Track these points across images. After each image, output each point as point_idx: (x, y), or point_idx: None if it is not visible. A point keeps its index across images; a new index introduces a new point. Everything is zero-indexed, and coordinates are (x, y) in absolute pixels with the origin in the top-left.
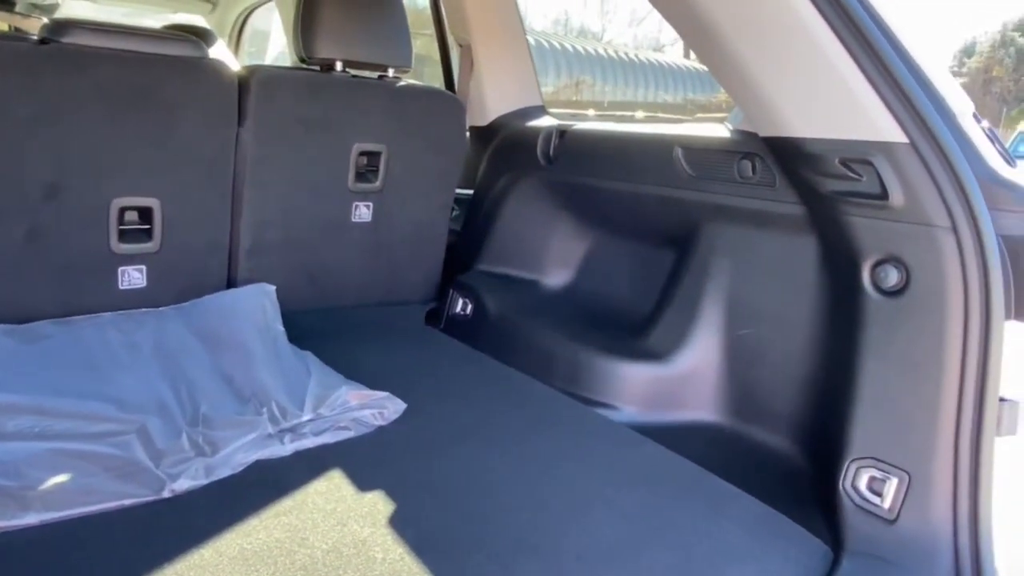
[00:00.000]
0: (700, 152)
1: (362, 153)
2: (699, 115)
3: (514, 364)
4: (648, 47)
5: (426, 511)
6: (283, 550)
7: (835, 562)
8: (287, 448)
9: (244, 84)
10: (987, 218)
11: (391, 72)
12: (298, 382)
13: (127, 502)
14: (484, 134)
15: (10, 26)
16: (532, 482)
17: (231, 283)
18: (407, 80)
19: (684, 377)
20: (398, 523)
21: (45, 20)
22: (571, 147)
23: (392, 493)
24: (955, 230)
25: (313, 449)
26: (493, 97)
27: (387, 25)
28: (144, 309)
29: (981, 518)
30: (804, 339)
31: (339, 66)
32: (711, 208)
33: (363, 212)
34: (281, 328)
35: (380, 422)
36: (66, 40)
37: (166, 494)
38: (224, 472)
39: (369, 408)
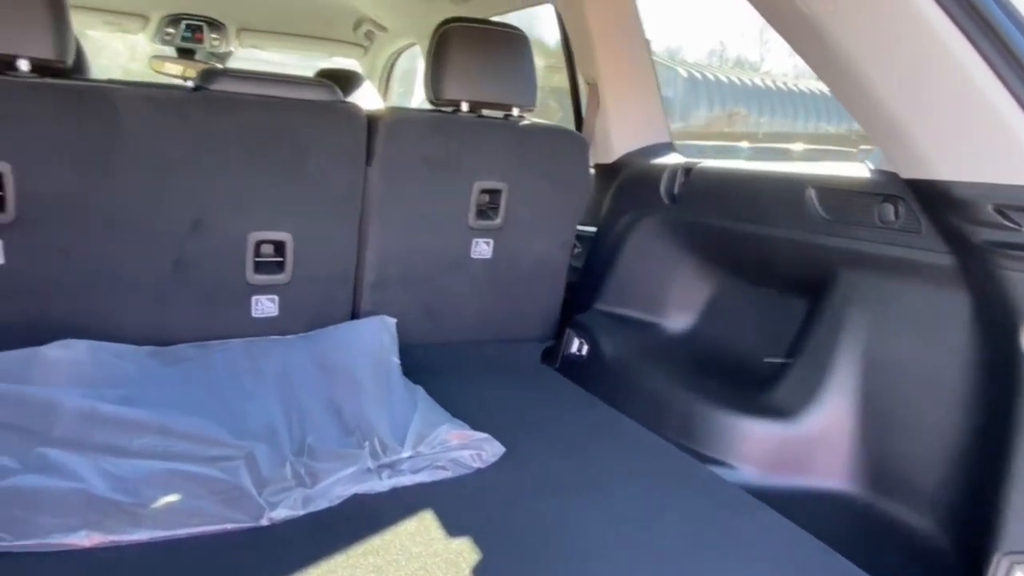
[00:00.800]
0: (835, 193)
1: (483, 191)
2: (863, 146)
3: (626, 410)
4: (810, 76)
5: (509, 563)
6: None
7: None
8: (384, 484)
9: (373, 125)
10: None
11: (516, 111)
12: (403, 417)
13: (228, 526)
14: (609, 171)
15: (185, 74)
16: (627, 543)
17: (355, 314)
18: (531, 119)
19: (812, 438)
20: (479, 573)
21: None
22: (697, 185)
23: (479, 540)
24: None
25: (410, 487)
26: (618, 134)
27: (514, 66)
28: (273, 337)
29: None
30: (952, 407)
31: (464, 106)
32: (847, 254)
33: (483, 249)
34: (397, 361)
35: (478, 464)
36: (214, 87)
37: (264, 522)
38: (322, 504)
39: (468, 449)
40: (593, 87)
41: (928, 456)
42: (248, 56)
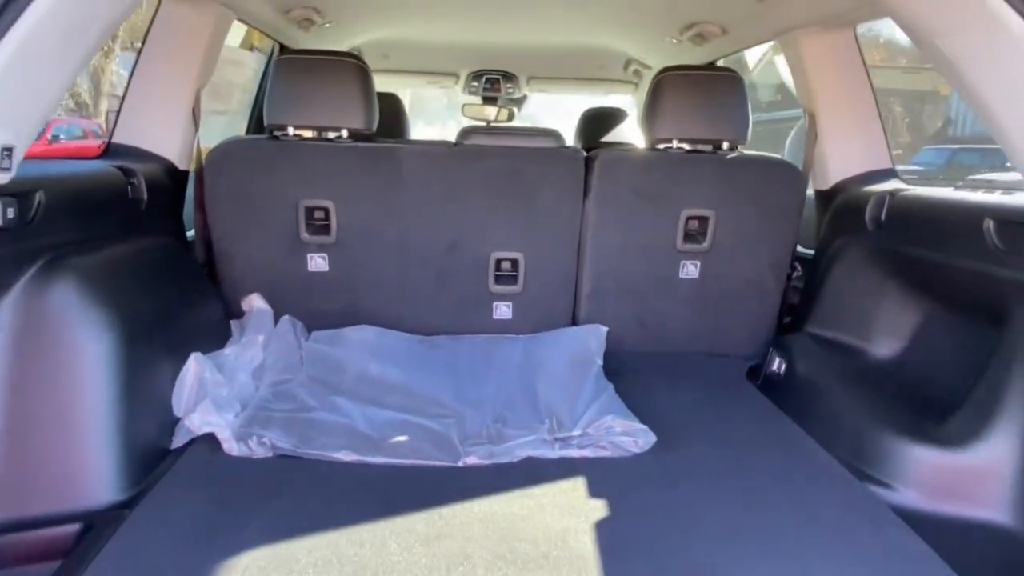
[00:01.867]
0: (1012, 224)
1: (691, 218)
2: None
3: (806, 426)
4: None
5: (629, 528)
6: (511, 522)
7: None
8: (555, 453)
9: (590, 164)
10: None
11: (726, 145)
12: (584, 405)
13: (435, 462)
14: (826, 197)
15: (485, 116)
16: (744, 533)
17: (574, 320)
18: (742, 150)
19: (979, 469)
20: (602, 531)
21: (515, 109)
22: (899, 212)
23: (614, 509)
24: None
25: (575, 458)
26: (835, 161)
27: (726, 104)
28: (508, 335)
29: None
30: None
31: (675, 143)
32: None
33: (690, 270)
34: (599, 362)
35: (635, 449)
36: (467, 142)
37: (460, 464)
38: (503, 459)
39: (628, 435)
40: (811, 117)
41: None
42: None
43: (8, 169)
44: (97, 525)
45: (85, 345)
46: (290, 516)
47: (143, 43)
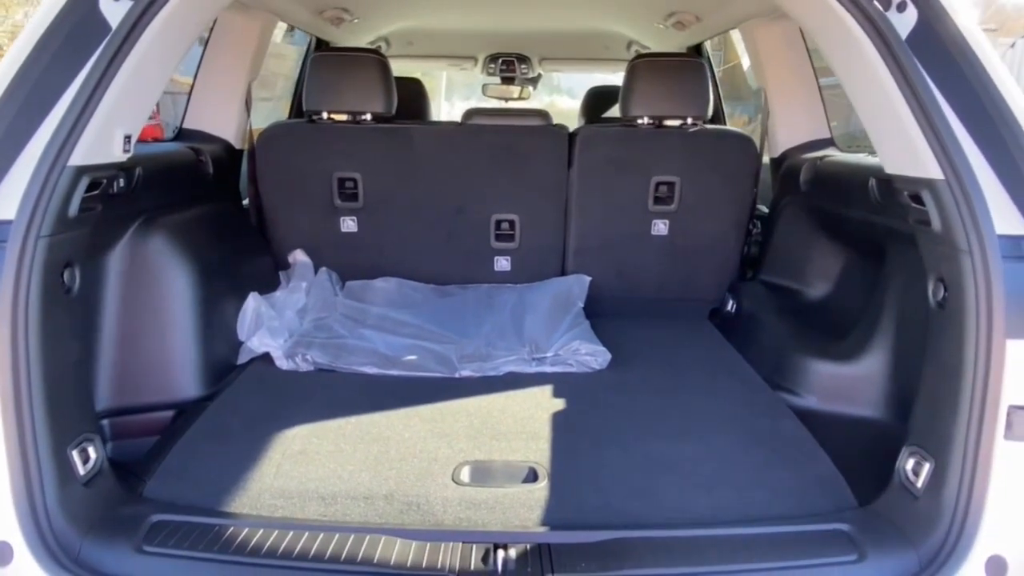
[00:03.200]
0: (886, 182)
1: (660, 183)
2: None
3: (744, 353)
4: None
5: (581, 421)
6: (491, 412)
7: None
8: (531, 369)
9: (573, 139)
10: (994, 243)
11: (689, 120)
12: (559, 334)
13: (437, 374)
14: (777, 163)
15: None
16: (661, 422)
17: (563, 272)
18: (703, 125)
19: (861, 377)
20: (559, 419)
21: (531, 88)
22: (820, 175)
23: (571, 407)
24: (970, 253)
25: (547, 373)
26: (783, 132)
27: (690, 86)
28: (506, 284)
29: (971, 510)
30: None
31: (645, 120)
32: (892, 232)
33: (660, 227)
34: (580, 304)
35: (596, 366)
36: (469, 122)
37: (456, 375)
38: (490, 372)
39: (590, 355)
40: (765, 95)
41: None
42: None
43: (128, 151)
44: (186, 412)
45: (173, 282)
46: (328, 409)
47: (204, 47)
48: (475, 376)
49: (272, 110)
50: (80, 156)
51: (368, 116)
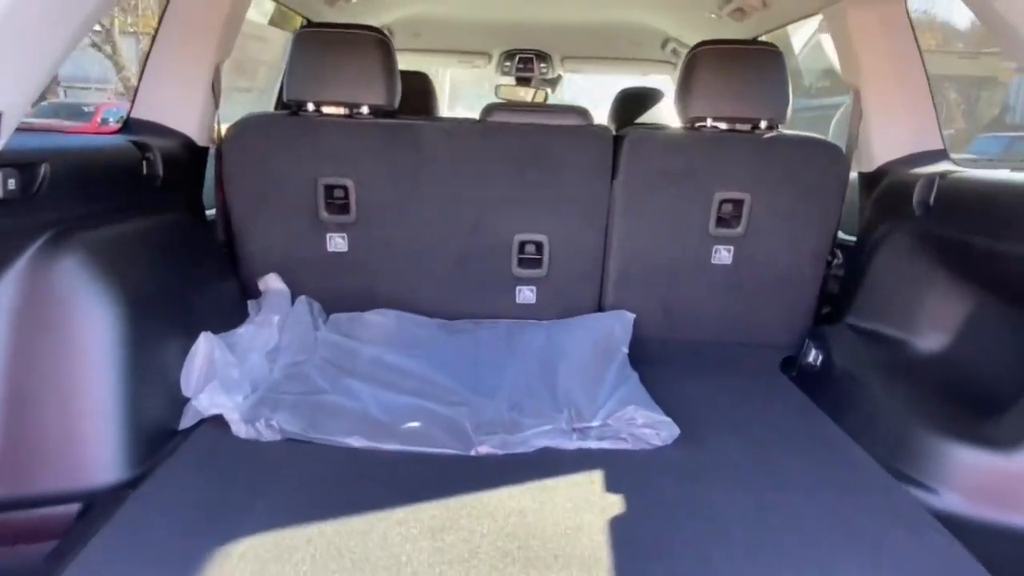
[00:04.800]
0: None
1: (724, 201)
2: None
3: (842, 422)
4: None
5: (645, 529)
6: (522, 516)
7: None
8: (572, 443)
9: (618, 143)
10: None
11: (763, 124)
12: (605, 394)
13: (447, 450)
14: (870, 180)
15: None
16: (766, 535)
17: (600, 307)
18: (781, 130)
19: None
20: (616, 529)
21: (549, 91)
22: (950, 195)
23: (630, 506)
24: None
25: (593, 450)
26: (881, 141)
27: (764, 81)
28: (531, 320)
29: None
30: None
31: (709, 122)
32: None
33: (723, 255)
34: (624, 350)
35: (657, 442)
36: (489, 119)
37: (472, 453)
38: (518, 448)
39: (650, 427)
40: (856, 94)
41: None
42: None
43: None
44: (97, 505)
45: (90, 321)
46: (294, 502)
47: (161, 17)
48: (498, 454)
49: (254, 103)
50: None
51: (365, 109)
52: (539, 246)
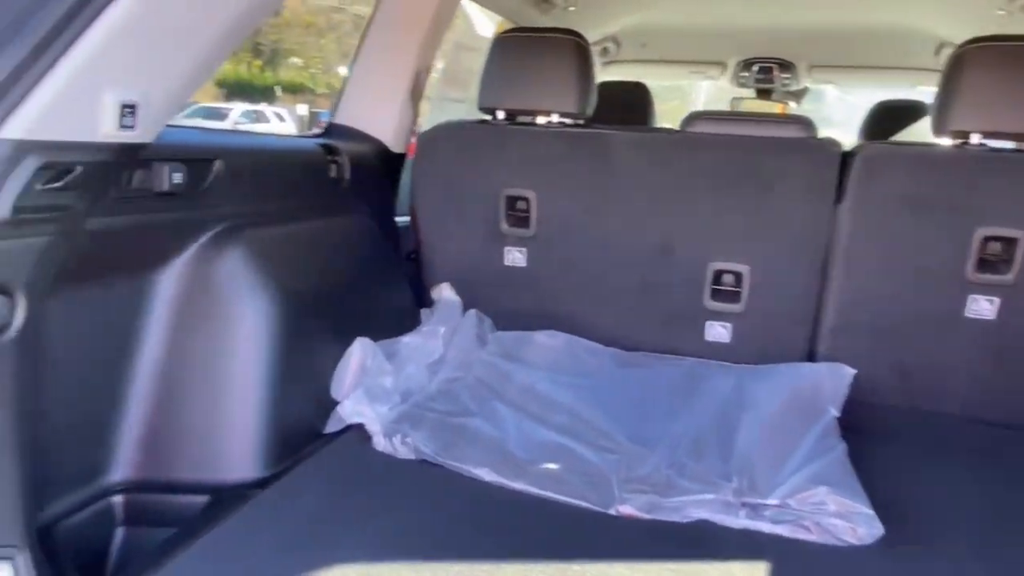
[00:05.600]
0: None
1: (990, 238)
2: None
3: None
4: None
5: None
6: None
7: None
8: (737, 521)
9: (848, 160)
10: None
11: None
12: (795, 466)
13: (581, 503)
14: None
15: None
16: None
17: (811, 357)
18: None
19: None
20: None
21: (793, 104)
22: None
23: None
24: None
25: (763, 534)
26: None
27: None
28: (722, 363)
29: None
30: None
31: (975, 138)
32: None
33: (983, 307)
34: (834, 413)
35: (851, 539)
36: (692, 129)
37: (611, 511)
38: (667, 516)
39: (842, 519)
40: None
41: None
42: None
43: (132, 127)
44: (223, 500)
45: (245, 317)
46: (403, 531)
47: (367, 27)
48: (642, 519)
49: (465, 114)
50: (22, 126)
51: (554, 117)
52: (738, 277)
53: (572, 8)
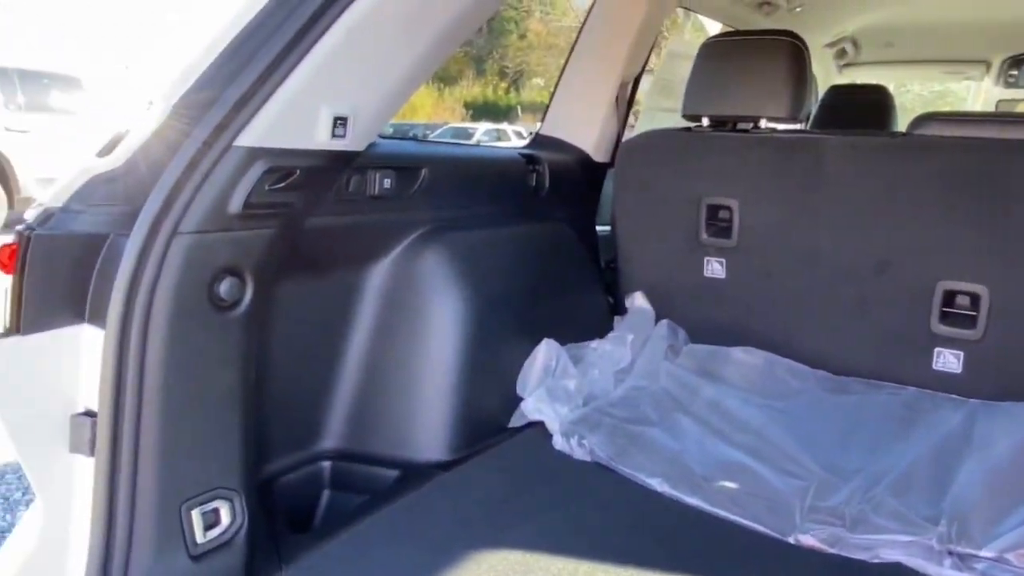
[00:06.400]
0: None
1: None
2: None
3: None
4: None
5: None
6: None
7: None
8: (942, 571)
9: None
10: None
11: None
12: (1020, 518)
13: (758, 527)
14: None
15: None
16: None
17: None
18: None
19: None
20: None
21: None
22: None
23: None
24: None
25: None
26: None
27: None
28: (950, 396)
29: None
30: None
31: None
32: None
33: None
34: None
35: None
36: (919, 131)
37: (790, 539)
38: (854, 553)
39: None
40: None
41: None
42: None
43: (343, 136)
44: (410, 476)
45: (442, 313)
46: (570, 529)
47: (576, 37)
48: (824, 551)
49: (678, 123)
50: (253, 136)
51: (763, 123)
52: (974, 299)
53: (798, 9)
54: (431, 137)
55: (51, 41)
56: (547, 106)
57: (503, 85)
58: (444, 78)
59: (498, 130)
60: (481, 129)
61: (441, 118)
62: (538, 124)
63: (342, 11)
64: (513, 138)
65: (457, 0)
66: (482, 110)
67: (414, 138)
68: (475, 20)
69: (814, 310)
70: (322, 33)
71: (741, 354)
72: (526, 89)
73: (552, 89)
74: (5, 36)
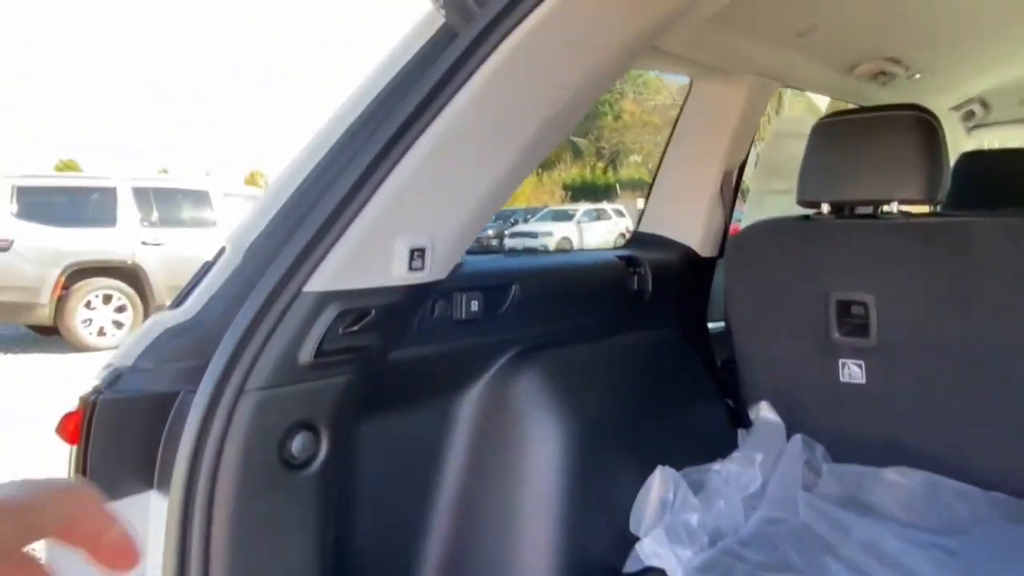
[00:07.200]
0: None
1: None
2: None
3: None
4: None
5: None
6: None
7: None
8: None
9: None
10: None
11: None
12: None
13: None
14: None
15: None
16: None
17: None
18: None
19: None
20: None
21: None
22: None
23: None
24: None
25: None
26: None
27: None
28: None
29: None
30: None
31: None
32: None
33: None
34: None
35: None
36: None
37: None
38: None
39: None
40: None
41: None
42: None
43: (421, 268)
44: None
45: (540, 443)
46: None
47: (673, 128)
48: None
49: (790, 206)
50: (325, 279)
51: (894, 207)
52: None
53: (918, 75)
54: (532, 220)
55: (186, 162)
56: (645, 202)
57: (600, 165)
58: (542, 163)
59: (597, 209)
60: (581, 209)
61: (541, 201)
62: (638, 200)
63: (416, 138)
64: (614, 216)
65: (537, 114)
66: (581, 191)
67: (500, 244)
68: (557, 132)
69: (979, 418)
70: (395, 163)
71: (895, 475)
72: (624, 167)
73: (649, 183)
74: (144, 160)
